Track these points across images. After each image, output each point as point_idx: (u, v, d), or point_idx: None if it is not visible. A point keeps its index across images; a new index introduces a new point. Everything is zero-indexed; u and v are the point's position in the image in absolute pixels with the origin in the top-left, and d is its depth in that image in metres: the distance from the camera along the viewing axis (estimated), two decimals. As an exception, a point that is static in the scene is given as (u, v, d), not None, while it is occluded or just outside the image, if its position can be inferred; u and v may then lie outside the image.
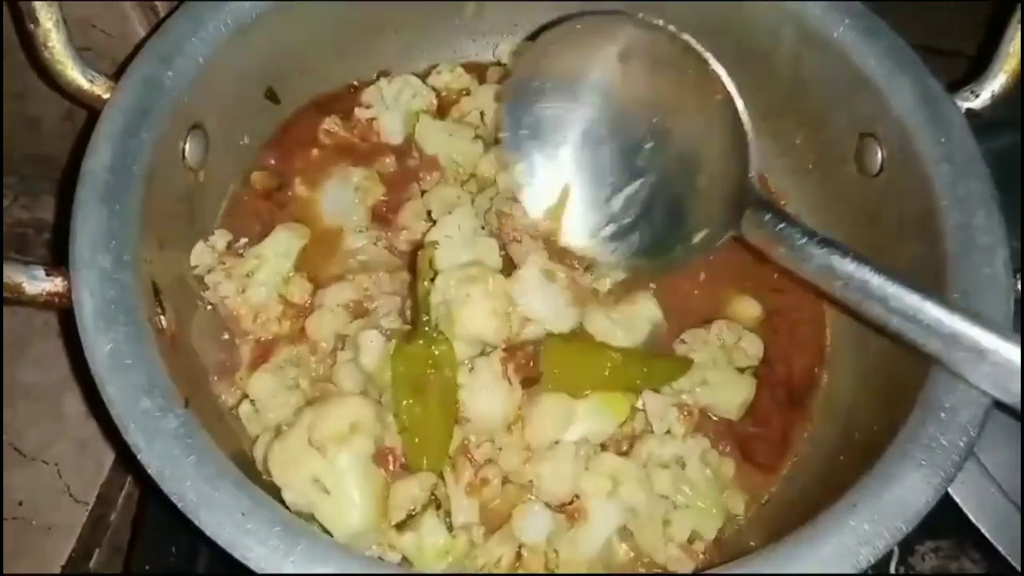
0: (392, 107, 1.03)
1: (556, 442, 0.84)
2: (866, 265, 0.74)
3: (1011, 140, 1.11)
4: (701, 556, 0.82)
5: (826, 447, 0.89)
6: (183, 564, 0.98)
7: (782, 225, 0.80)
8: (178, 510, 0.67)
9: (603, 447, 0.86)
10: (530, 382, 0.85)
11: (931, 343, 0.71)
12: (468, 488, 0.82)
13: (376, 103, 1.04)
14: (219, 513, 0.67)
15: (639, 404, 0.87)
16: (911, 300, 0.71)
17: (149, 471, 0.68)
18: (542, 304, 0.87)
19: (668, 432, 0.86)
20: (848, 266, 0.74)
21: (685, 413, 0.87)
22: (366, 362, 0.84)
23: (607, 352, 0.86)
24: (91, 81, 0.84)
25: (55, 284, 0.76)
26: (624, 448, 0.86)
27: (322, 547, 0.67)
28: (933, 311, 0.70)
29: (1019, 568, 0.94)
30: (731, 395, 0.89)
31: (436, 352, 0.82)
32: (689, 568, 0.81)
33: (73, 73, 0.83)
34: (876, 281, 0.73)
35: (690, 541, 0.82)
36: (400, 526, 0.79)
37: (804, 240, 0.77)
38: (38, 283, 0.77)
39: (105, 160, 0.79)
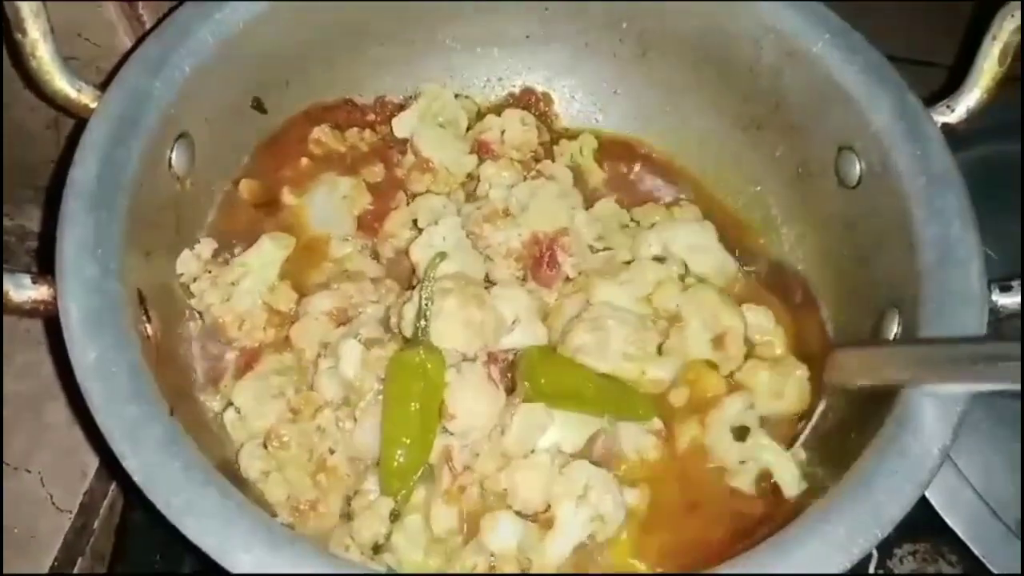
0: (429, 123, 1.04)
1: (532, 451, 0.84)
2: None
3: (987, 150, 1.13)
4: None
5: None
6: (167, 571, 0.98)
7: None
8: (163, 517, 0.67)
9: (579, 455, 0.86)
10: (507, 391, 0.86)
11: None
12: (446, 496, 0.82)
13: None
14: (204, 520, 0.67)
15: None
16: None
17: (135, 478, 0.68)
18: (515, 318, 0.89)
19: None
20: None
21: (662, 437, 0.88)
22: (345, 370, 0.84)
23: (584, 377, 0.87)
24: (78, 91, 0.84)
25: (41, 292, 0.76)
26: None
27: (307, 553, 0.67)
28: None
29: (995, 571, 0.95)
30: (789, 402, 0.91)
31: (429, 365, 0.82)
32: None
33: (60, 83, 0.83)
34: None
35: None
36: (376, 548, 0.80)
37: None
38: (24, 291, 0.76)
39: (92, 169, 0.79)
